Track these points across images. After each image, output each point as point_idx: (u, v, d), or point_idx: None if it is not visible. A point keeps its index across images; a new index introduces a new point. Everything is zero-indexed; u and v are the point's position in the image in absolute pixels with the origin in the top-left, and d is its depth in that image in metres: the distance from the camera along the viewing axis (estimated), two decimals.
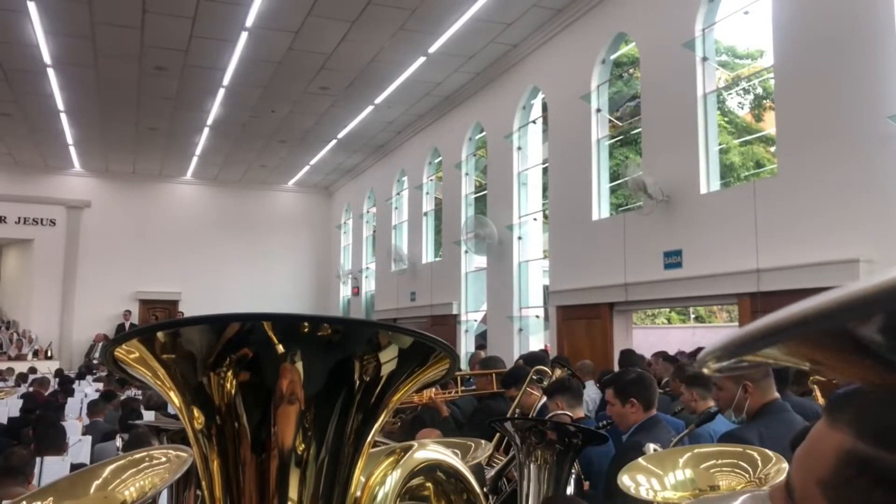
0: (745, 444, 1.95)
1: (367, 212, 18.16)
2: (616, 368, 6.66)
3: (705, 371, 0.38)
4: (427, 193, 14.69)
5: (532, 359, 5.87)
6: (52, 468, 4.23)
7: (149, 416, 5.82)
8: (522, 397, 4.59)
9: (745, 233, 6.95)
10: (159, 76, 11.63)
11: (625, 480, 1.65)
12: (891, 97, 5.75)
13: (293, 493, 0.64)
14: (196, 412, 0.64)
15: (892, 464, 0.43)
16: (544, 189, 11.14)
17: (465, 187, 13.00)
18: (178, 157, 16.98)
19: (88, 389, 10.00)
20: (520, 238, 11.18)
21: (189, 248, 18.61)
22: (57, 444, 4.66)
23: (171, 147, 16.04)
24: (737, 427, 3.11)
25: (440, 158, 14.11)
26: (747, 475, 1.63)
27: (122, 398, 7.90)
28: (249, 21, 9.62)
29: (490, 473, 2.84)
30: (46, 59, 10.88)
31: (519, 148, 11.31)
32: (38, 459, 4.10)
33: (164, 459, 1.31)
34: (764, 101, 16.19)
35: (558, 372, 4.93)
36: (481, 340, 12.62)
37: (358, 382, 0.64)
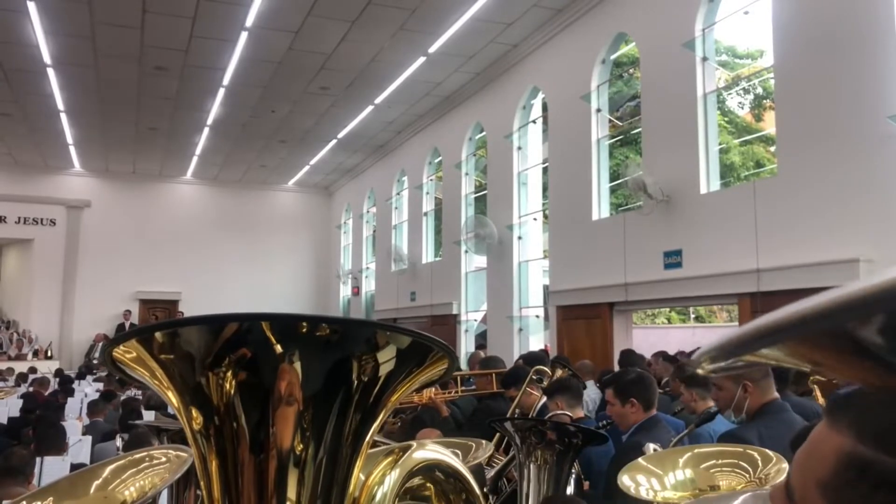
0: (745, 444, 1.95)
1: (367, 212, 18.16)
2: (616, 368, 6.65)
3: (700, 371, 0.38)
4: (427, 193, 14.69)
5: (532, 359, 5.87)
6: (52, 468, 4.23)
7: (149, 416, 5.81)
8: (522, 397, 4.59)
9: (745, 233, 6.95)
10: (159, 76, 11.63)
11: (625, 480, 1.65)
12: (891, 97, 5.75)
13: (291, 492, 0.64)
14: (195, 412, 0.64)
15: (893, 467, 0.42)
16: (544, 189, 11.14)
17: (465, 187, 13.00)
18: (178, 157, 16.99)
19: (88, 389, 9.99)
20: (520, 238, 11.18)
21: (189, 248, 18.61)
22: (57, 444, 4.66)
23: (171, 147, 16.04)
24: (736, 427, 3.11)
25: (440, 158, 14.11)
26: (747, 475, 1.63)
27: (123, 398, 7.89)
28: (249, 21, 9.62)
29: (490, 473, 2.84)
30: (46, 59, 10.88)
31: (519, 148, 11.31)
32: (38, 459, 4.10)
33: (164, 459, 1.31)
34: (764, 101, 16.19)
35: (559, 372, 4.93)
36: (481, 340, 12.62)
37: (356, 382, 0.64)
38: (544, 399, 4.26)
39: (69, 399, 8.61)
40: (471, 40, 10.44)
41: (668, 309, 16.58)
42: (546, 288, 10.71)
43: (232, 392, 0.62)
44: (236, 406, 0.63)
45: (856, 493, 0.45)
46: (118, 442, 4.71)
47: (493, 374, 5.46)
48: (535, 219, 11.15)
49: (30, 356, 16.33)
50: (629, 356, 6.67)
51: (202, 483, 0.66)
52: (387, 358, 0.64)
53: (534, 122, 11.26)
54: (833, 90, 6.21)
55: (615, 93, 11.81)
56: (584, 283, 9.24)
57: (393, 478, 0.75)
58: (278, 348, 0.60)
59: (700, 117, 7.72)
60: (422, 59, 11.05)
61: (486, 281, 12.13)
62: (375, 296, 17.28)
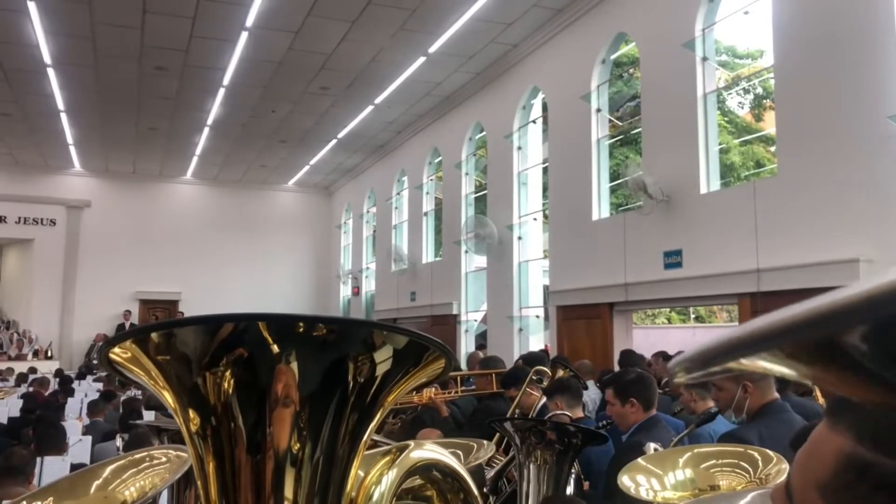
0: (746, 444, 1.95)
1: (367, 212, 18.16)
2: (616, 368, 6.65)
3: (676, 381, 0.37)
4: (427, 193, 14.69)
5: (532, 359, 5.87)
6: (52, 468, 4.23)
7: (149, 415, 5.81)
8: (522, 397, 4.59)
9: (745, 233, 6.94)
10: (159, 76, 11.63)
11: (625, 481, 1.64)
12: (891, 97, 5.74)
13: (288, 493, 0.64)
14: (191, 413, 0.64)
15: (892, 469, 0.42)
16: (544, 189, 11.14)
17: (465, 187, 13.00)
18: (178, 157, 16.99)
19: (88, 389, 9.99)
20: (520, 238, 11.18)
21: (189, 248, 18.61)
22: (57, 444, 4.66)
23: (171, 147, 16.04)
24: (737, 427, 3.11)
25: (440, 158, 14.11)
26: (748, 475, 1.63)
27: (123, 398, 7.89)
28: (249, 21, 9.62)
29: (490, 473, 2.84)
30: (46, 59, 10.88)
31: (519, 148, 11.30)
32: (38, 459, 4.10)
33: (164, 459, 1.31)
34: (764, 101, 16.18)
35: (560, 372, 4.93)
36: (481, 340, 12.62)
37: (353, 382, 0.64)
38: (544, 399, 4.26)
39: (69, 399, 8.61)
40: (471, 40, 10.43)
41: (668, 309, 16.58)
42: (546, 288, 10.71)
43: (229, 392, 0.62)
44: (233, 406, 0.62)
45: (855, 494, 0.45)
46: (118, 442, 4.70)
47: (493, 375, 5.45)
48: (535, 219, 11.15)
49: (30, 356, 16.33)
50: (629, 356, 6.67)
51: (199, 483, 0.66)
52: (383, 358, 0.63)
53: (534, 122, 11.25)
54: (833, 90, 6.20)
55: (615, 93, 11.81)
56: (584, 283, 9.24)
57: (390, 478, 0.75)
58: (275, 348, 0.60)
59: (700, 117, 7.72)
60: (422, 59, 11.05)
61: (486, 281, 12.13)
62: (375, 296, 17.28)
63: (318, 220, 20.40)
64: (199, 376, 0.62)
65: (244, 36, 10.10)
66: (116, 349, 0.62)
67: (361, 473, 0.73)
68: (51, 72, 11.43)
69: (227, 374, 0.61)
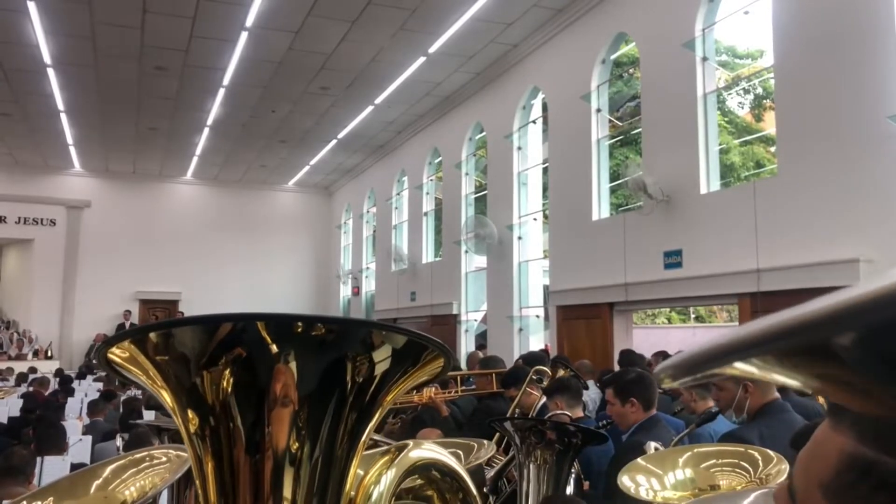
0: (746, 444, 1.95)
1: (367, 212, 18.16)
2: (616, 368, 6.65)
3: (663, 386, 0.37)
4: (427, 193, 14.69)
5: (532, 359, 5.87)
6: (52, 468, 4.23)
7: (149, 415, 5.82)
8: (522, 397, 4.58)
9: (745, 233, 6.94)
10: (159, 76, 11.63)
11: (625, 481, 1.64)
12: (891, 97, 5.74)
13: (287, 492, 0.64)
14: (190, 414, 0.64)
15: (895, 468, 0.42)
16: (544, 189, 11.14)
17: (465, 187, 13.00)
18: (178, 157, 16.99)
19: (88, 389, 9.99)
20: (520, 238, 11.18)
21: (189, 248, 18.61)
22: (57, 443, 4.66)
23: (171, 147, 16.04)
24: (737, 427, 3.11)
25: (440, 158, 14.11)
26: (748, 475, 1.63)
27: (123, 398, 7.89)
28: (249, 21, 9.62)
29: (490, 473, 2.84)
30: (46, 59, 10.88)
31: (519, 148, 11.30)
32: (38, 459, 4.10)
33: (164, 459, 1.31)
34: (764, 101, 16.18)
35: (561, 372, 4.93)
36: (481, 340, 12.62)
37: (352, 382, 0.64)
38: (544, 399, 4.26)
39: (69, 399, 8.61)
40: (471, 40, 10.43)
41: (668, 309, 16.58)
42: (546, 288, 10.71)
43: (227, 392, 0.62)
44: (232, 406, 0.62)
45: (857, 495, 0.45)
46: (118, 442, 4.70)
47: (493, 374, 5.45)
48: (535, 219, 11.15)
49: (30, 356, 16.33)
50: (629, 356, 6.67)
51: (198, 483, 0.66)
52: (382, 357, 0.63)
53: (534, 122, 11.25)
54: (833, 90, 6.20)
55: (615, 93, 11.81)
56: (584, 283, 9.24)
57: (389, 477, 0.75)
58: (273, 348, 0.60)
59: (700, 117, 7.71)
60: (422, 59, 11.05)
61: (486, 281, 12.13)
62: (375, 296, 17.28)
63: (318, 220, 20.41)
64: (198, 376, 0.62)
65: (244, 36, 10.10)
66: (115, 349, 0.62)
67: (361, 472, 0.73)
68: (51, 72, 11.43)
69: (226, 373, 0.61)
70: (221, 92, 12.36)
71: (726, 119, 16.37)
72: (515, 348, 10.71)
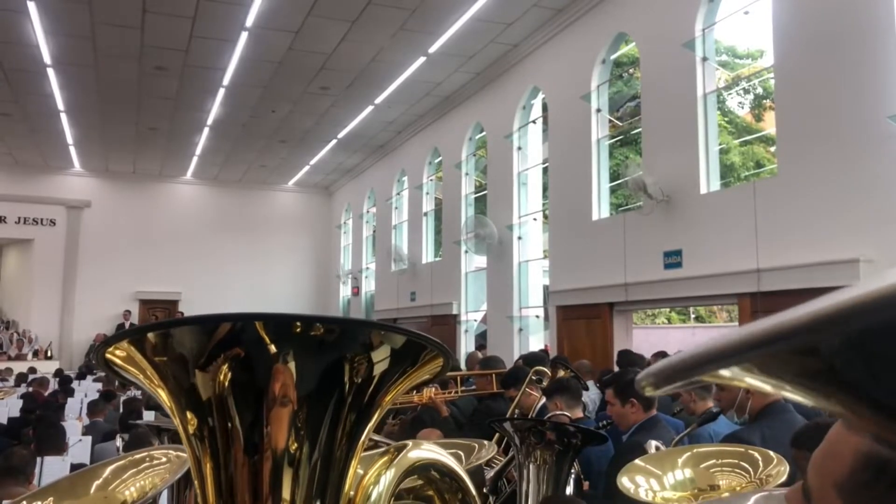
0: (746, 445, 1.95)
1: (367, 212, 18.16)
2: (616, 368, 6.65)
3: (646, 393, 0.37)
4: (427, 193, 14.68)
5: (532, 359, 5.86)
6: (52, 468, 4.23)
7: (149, 415, 5.81)
8: (522, 397, 4.58)
9: (745, 233, 6.94)
10: (159, 76, 11.63)
11: (624, 482, 1.64)
12: (891, 97, 5.74)
13: (286, 493, 0.64)
14: (189, 414, 0.64)
15: None
16: (544, 189, 11.13)
17: (465, 187, 12.99)
18: (178, 157, 16.99)
19: (88, 389, 9.99)
20: (520, 238, 11.18)
21: (189, 248, 18.61)
22: (57, 444, 4.66)
23: (171, 147, 16.04)
24: (740, 428, 3.11)
25: (440, 158, 14.11)
26: (748, 475, 1.63)
27: (123, 398, 7.89)
28: (249, 21, 9.62)
29: (490, 474, 2.84)
30: (46, 59, 10.88)
31: (519, 148, 11.30)
32: (38, 459, 4.10)
33: (164, 459, 1.31)
34: (764, 101, 16.19)
35: (561, 372, 4.92)
36: (481, 340, 12.62)
37: (350, 382, 0.63)
38: (544, 399, 4.26)
39: (69, 399, 8.61)
40: (471, 40, 10.43)
41: (668, 309, 16.58)
42: (546, 288, 10.70)
43: (226, 392, 0.62)
44: (230, 407, 0.62)
45: (873, 493, 0.45)
46: (118, 442, 4.70)
47: (493, 375, 5.45)
48: (535, 219, 11.15)
49: (30, 356, 16.33)
50: (627, 356, 6.67)
51: (197, 484, 0.66)
52: (381, 357, 0.63)
53: (534, 122, 11.25)
54: (833, 90, 6.20)
55: (615, 93, 11.81)
56: (584, 283, 9.24)
57: (388, 478, 0.75)
58: (272, 348, 0.60)
59: (700, 117, 7.71)
60: (422, 59, 11.04)
61: (486, 281, 12.13)
62: (375, 296, 17.28)
63: (318, 220, 20.40)
64: (197, 376, 0.62)
65: (244, 36, 10.10)
66: (113, 349, 0.62)
67: (360, 472, 0.73)
68: (51, 72, 11.43)
69: (225, 374, 0.61)
70: (221, 92, 12.36)
71: (726, 119, 16.37)
72: (515, 348, 10.71)
